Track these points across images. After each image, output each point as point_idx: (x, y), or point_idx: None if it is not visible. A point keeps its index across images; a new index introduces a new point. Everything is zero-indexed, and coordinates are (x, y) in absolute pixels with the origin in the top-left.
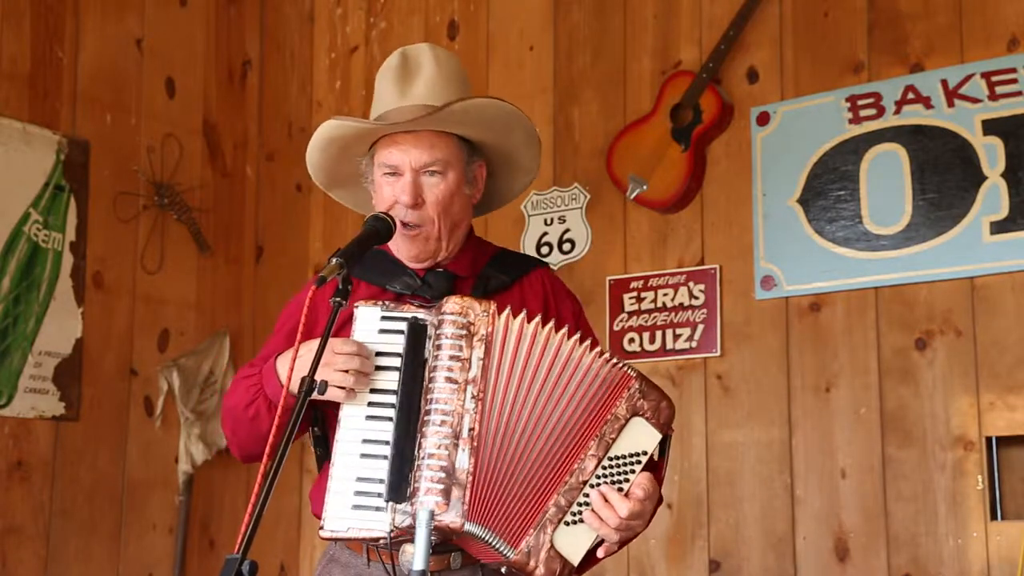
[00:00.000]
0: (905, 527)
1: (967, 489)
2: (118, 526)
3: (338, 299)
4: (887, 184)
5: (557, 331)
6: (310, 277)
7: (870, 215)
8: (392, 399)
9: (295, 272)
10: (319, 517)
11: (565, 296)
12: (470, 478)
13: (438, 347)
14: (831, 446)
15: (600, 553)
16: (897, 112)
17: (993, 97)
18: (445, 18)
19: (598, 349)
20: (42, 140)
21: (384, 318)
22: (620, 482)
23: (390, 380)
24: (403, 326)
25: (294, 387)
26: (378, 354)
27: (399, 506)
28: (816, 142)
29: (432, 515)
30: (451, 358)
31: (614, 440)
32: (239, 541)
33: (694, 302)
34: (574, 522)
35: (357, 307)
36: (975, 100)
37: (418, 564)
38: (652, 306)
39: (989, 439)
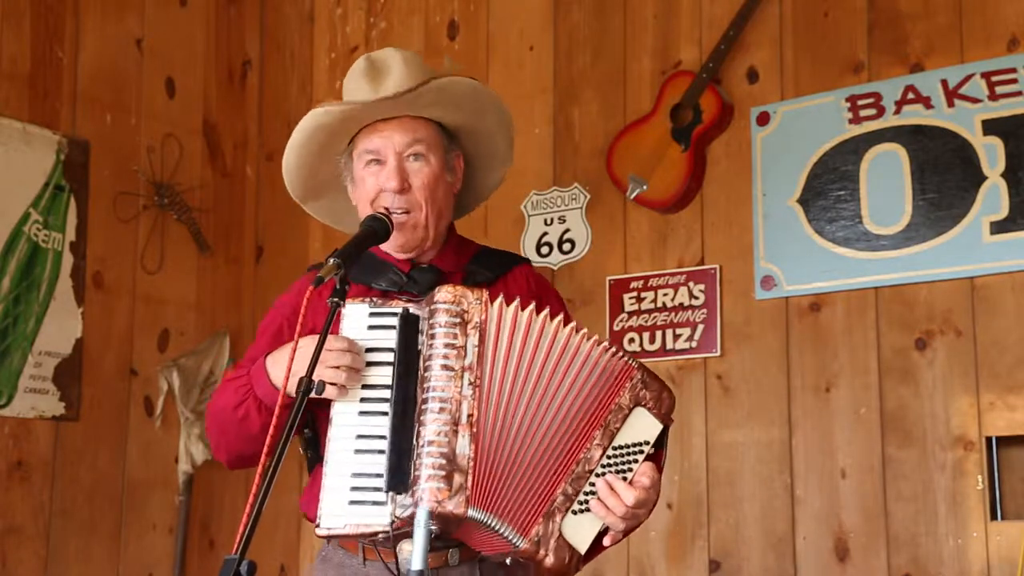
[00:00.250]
0: (905, 527)
1: (967, 489)
2: (118, 526)
3: (335, 299)
4: (887, 184)
5: (551, 319)
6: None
7: (870, 215)
8: (385, 394)
9: (295, 272)
10: (312, 520)
11: (548, 291)
12: (471, 463)
13: (432, 336)
14: (831, 446)
15: (606, 541)
16: (897, 112)
17: (993, 97)
18: (445, 18)
19: (596, 337)
20: (42, 140)
21: (373, 314)
22: (624, 471)
23: (382, 376)
24: (393, 321)
25: (290, 387)
26: (368, 350)
27: (399, 497)
28: (816, 142)
29: (430, 514)
30: (446, 346)
31: (618, 429)
32: (237, 541)
33: (694, 302)
34: (581, 511)
35: (344, 305)
36: (975, 100)
37: (416, 564)
38: (652, 306)
39: (989, 439)
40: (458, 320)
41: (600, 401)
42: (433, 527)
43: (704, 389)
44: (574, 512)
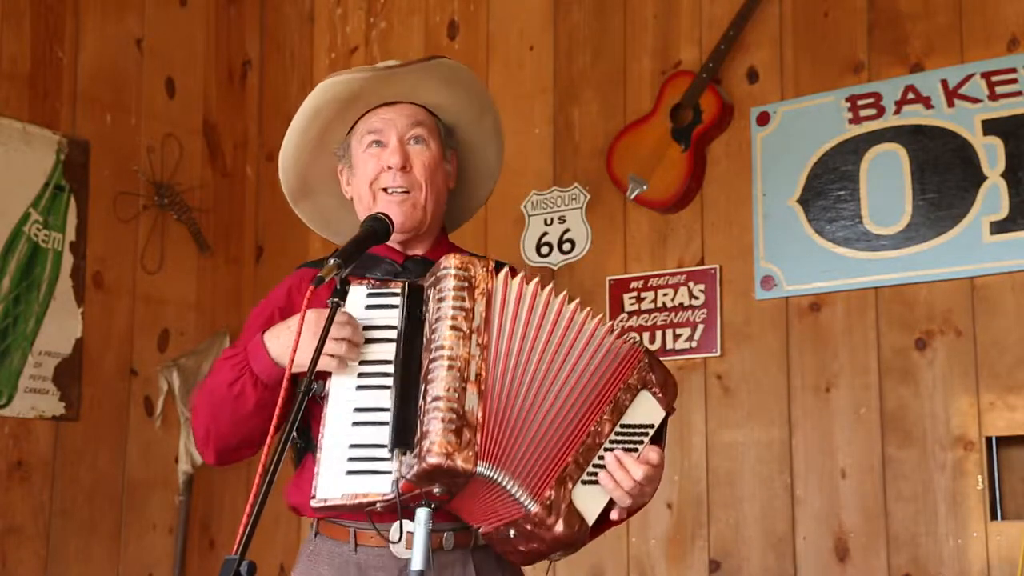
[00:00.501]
0: (905, 527)
1: (967, 489)
2: (118, 526)
3: (336, 300)
4: (887, 184)
5: (556, 295)
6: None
7: (870, 215)
8: (385, 368)
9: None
10: (294, 507)
11: None
12: (480, 419)
13: (440, 300)
14: (831, 446)
15: (614, 515)
16: (897, 112)
17: (993, 97)
18: (445, 18)
19: (600, 316)
20: (42, 140)
21: (371, 295)
22: (631, 449)
23: (381, 352)
24: (391, 300)
25: (289, 362)
26: (367, 328)
27: (404, 458)
28: (816, 142)
29: (431, 514)
30: (454, 308)
31: (627, 407)
32: (237, 541)
33: (694, 302)
34: (590, 482)
35: (344, 304)
36: (975, 100)
37: (416, 564)
38: (652, 306)
39: (989, 439)
40: (466, 285)
41: (609, 378)
42: (437, 490)
43: (704, 389)
44: (583, 482)
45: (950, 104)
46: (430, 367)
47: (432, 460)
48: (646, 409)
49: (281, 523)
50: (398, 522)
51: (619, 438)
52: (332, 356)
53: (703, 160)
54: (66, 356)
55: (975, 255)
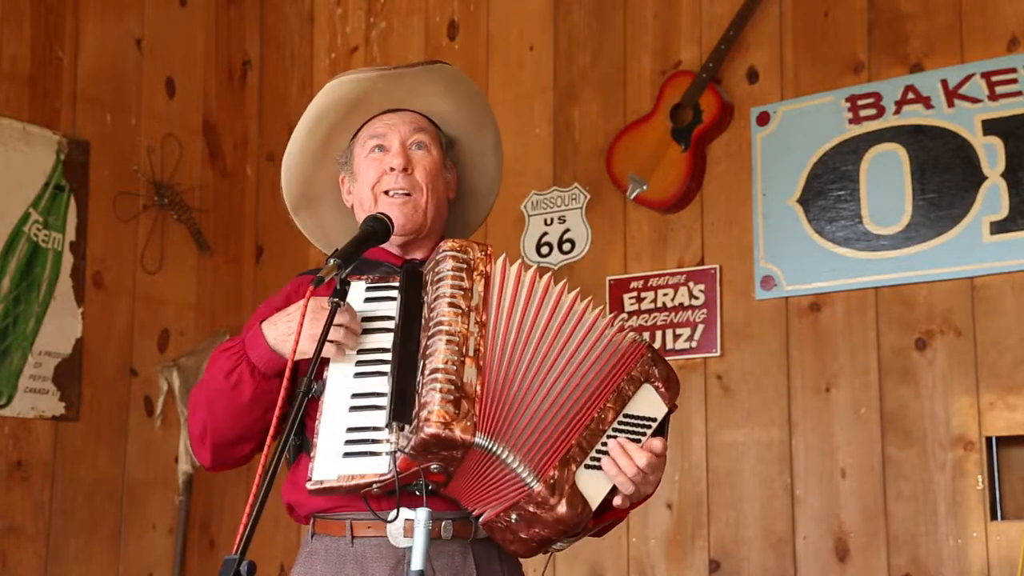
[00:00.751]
0: (905, 527)
1: (967, 489)
2: (118, 526)
3: (336, 300)
4: (887, 184)
5: (555, 283)
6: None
7: (870, 215)
8: (383, 356)
9: (295, 272)
10: (290, 505)
11: None
12: (479, 392)
13: (439, 280)
14: (831, 446)
15: (617, 501)
16: (897, 112)
17: (993, 97)
18: (445, 18)
19: (601, 308)
20: (42, 140)
21: (370, 288)
22: (633, 440)
23: (380, 341)
24: (389, 293)
25: (292, 349)
26: (365, 319)
27: (402, 432)
28: (816, 142)
29: (431, 514)
30: (453, 287)
31: (630, 397)
32: (237, 541)
33: (694, 302)
34: (594, 467)
35: (344, 304)
36: (975, 100)
37: (416, 564)
38: (652, 306)
39: (989, 439)
40: (464, 266)
41: (612, 367)
42: (434, 467)
43: (704, 389)
44: (587, 467)
45: (950, 104)
46: (428, 343)
47: (430, 430)
48: (649, 402)
49: (281, 523)
50: (395, 503)
51: (622, 427)
52: (331, 342)
53: (703, 160)
54: (66, 356)
55: (975, 255)
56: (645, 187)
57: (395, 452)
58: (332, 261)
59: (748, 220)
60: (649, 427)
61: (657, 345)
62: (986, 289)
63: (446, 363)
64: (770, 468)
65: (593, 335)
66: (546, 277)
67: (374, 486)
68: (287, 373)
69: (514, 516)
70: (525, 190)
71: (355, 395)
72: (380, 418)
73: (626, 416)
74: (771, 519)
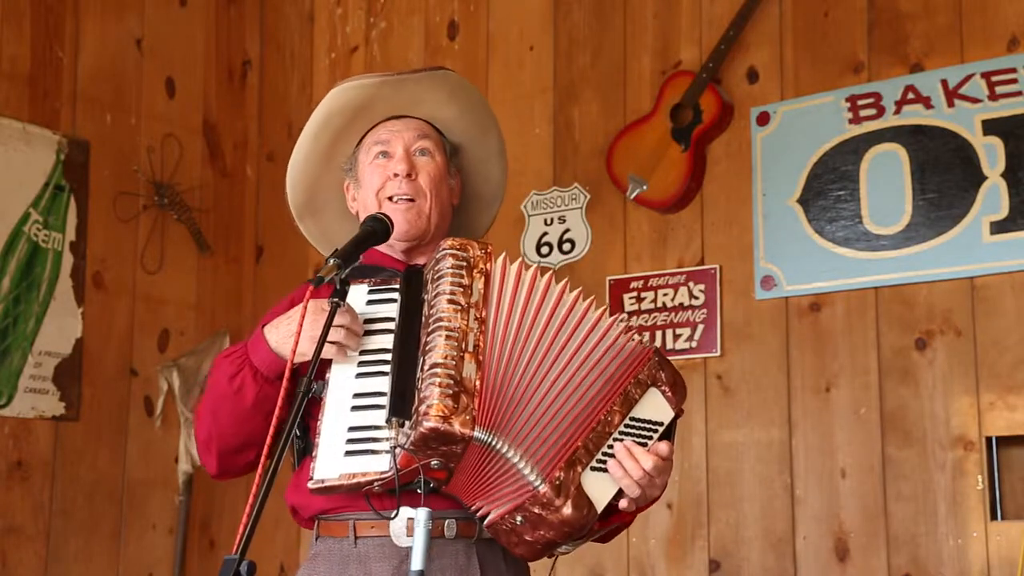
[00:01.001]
0: (905, 527)
1: (967, 489)
2: (118, 526)
3: (336, 300)
4: (887, 184)
5: (556, 281)
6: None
7: (870, 215)
8: (384, 357)
9: (295, 272)
10: (294, 508)
11: None
12: (478, 387)
13: (439, 278)
14: (831, 446)
15: (622, 504)
16: (897, 112)
17: (993, 97)
18: (445, 18)
19: (604, 308)
20: (42, 140)
21: (372, 291)
22: (640, 443)
23: (382, 342)
24: (391, 296)
25: (292, 350)
26: (367, 321)
27: (402, 428)
28: (816, 142)
29: (431, 514)
30: (452, 284)
31: (637, 400)
32: (237, 541)
33: (694, 302)
34: (600, 469)
35: (344, 304)
36: (975, 100)
37: (416, 564)
38: (652, 306)
39: (989, 439)
40: (464, 264)
41: (618, 369)
42: (435, 463)
43: (704, 389)
44: (593, 469)
45: (950, 104)
46: (428, 340)
47: (429, 424)
48: (655, 406)
49: (281, 523)
50: (396, 500)
51: (628, 430)
52: (331, 343)
53: (703, 160)
54: (66, 356)
55: (975, 255)
56: (645, 187)
57: (395, 448)
58: (332, 261)
59: (748, 220)
60: (656, 431)
61: (657, 345)
62: (986, 289)
63: (445, 358)
64: (770, 468)
65: (596, 335)
66: (547, 276)
67: (375, 484)
68: (287, 374)
69: (519, 518)
70: (525, 190)
71: (357, 395)
72: (382, 417)
73: (632, 419)
74: (771, 519)
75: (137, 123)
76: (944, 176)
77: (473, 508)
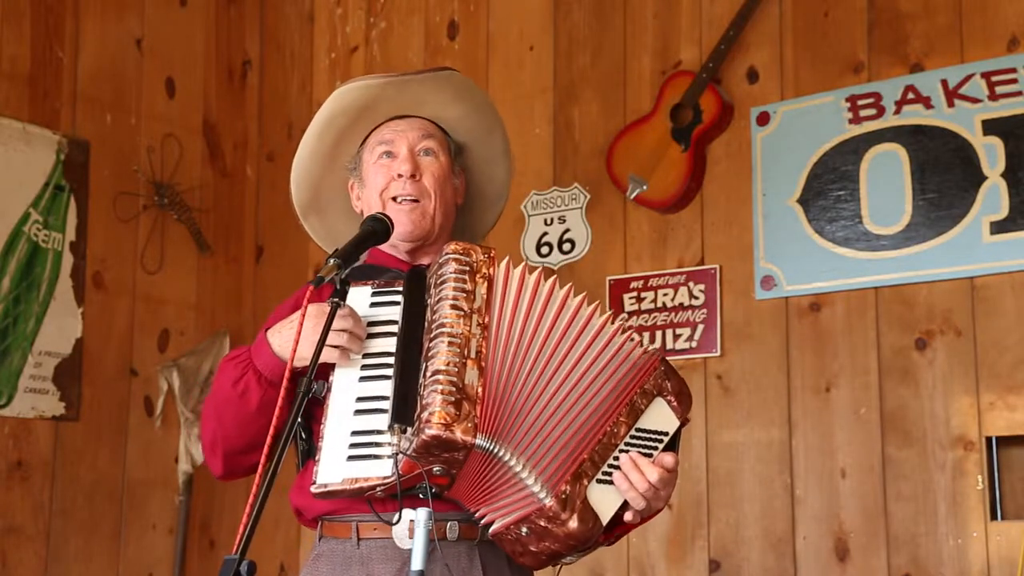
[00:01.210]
0: (905, 527)
1: (967, 489)
2: (118, 526)
3: (336, 300)
4: (887, 184)
5: (560, 286)
6: (310, 277)
7: (870, 215)
8: (387, 360)
9: (295, 272)
10: (297, 509)
11: None
12: (480, 394)
13: (442, 283)
14: (831, 446)
15: (627, 516)
16: (897, 112)
17: (993, 97)
18: (445, 18)
19: (609, 313)
20: (42, 140)
21: (375, 293)
22: (645, 455)
23: (385, 345)
24: (395, 298)
25: (291, 353)
26: (370, 323)
27: (404, 435)
28: (816, 142)
29: (431, 514)
30: (455, 289)
31: (643, 411)
32: (237, 541)
33: (694, 302)
34: (605, 482)
35: (344, 305)
36: (975, 100)
37: (416, 564)
38: (652, 306)
39: (989, 439)
40: (467, 269)
41: (623, 378)
42: (437, 469)
43: (704, 389)
44: (598, 481)
45: (950, 104)
46: (430, 345)
47: (431, 431)
48: (661, 416)
49: (281, 523)
50: (398, 505)
51: (634, 441)
52: (334, 347)
53: (703, 160)
54: (66, 356)
55: (975, 255)
56: (645, 187)
57: (397, 454)
58: (332, 261)
59: (748, 220)
60: (661, 441)
61: (657, 345)
62: (986, 289)
63: (447, 365)
64: (770, 468)
65: (601, 341)
66: (550, 280)
67: (378, 489)
68: (286, 375)
69: (524, 529)
70: (525, 190)
71: (359, 399)
72: (384, 421)
73: (638, 430)
74: (771, 519)
75: (137, 123)
76: (944, 176)
77: (477, 515)
